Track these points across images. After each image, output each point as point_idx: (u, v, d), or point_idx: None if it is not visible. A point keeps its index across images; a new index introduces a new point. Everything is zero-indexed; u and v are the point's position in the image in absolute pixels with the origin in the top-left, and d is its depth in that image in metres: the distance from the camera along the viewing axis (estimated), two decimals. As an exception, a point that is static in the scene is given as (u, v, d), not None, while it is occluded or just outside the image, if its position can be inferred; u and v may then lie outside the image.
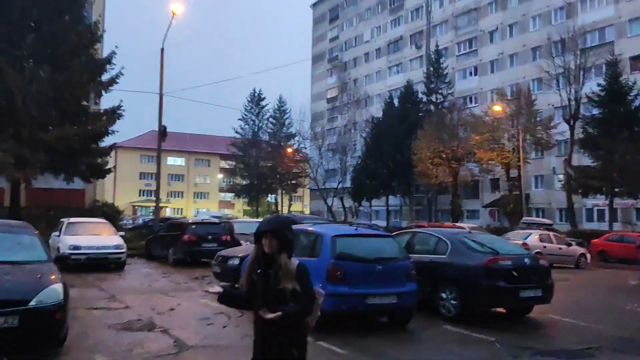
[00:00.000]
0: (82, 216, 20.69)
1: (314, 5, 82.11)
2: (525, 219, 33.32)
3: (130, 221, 49.55)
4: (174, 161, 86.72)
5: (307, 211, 72.97)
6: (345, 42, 73.81)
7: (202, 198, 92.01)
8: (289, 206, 66.91)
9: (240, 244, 17.94)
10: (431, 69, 53.71)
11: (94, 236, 17.32)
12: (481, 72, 54.51)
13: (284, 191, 66.76)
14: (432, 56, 54.87)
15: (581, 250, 24.15)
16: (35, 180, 23.11)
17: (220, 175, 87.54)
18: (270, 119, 69.64)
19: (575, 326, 9.69)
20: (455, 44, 57.59)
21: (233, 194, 76.20)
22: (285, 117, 69.10)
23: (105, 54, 25.94)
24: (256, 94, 69.82)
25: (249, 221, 24.99)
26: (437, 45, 54.47)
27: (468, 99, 54.15)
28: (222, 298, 3.69)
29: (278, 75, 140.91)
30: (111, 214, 25.79)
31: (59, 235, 17.35)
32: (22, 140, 22.33)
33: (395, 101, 55.29)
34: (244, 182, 69.45)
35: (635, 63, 42.22)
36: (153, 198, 74.27)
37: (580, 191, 36.44)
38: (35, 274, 7.03)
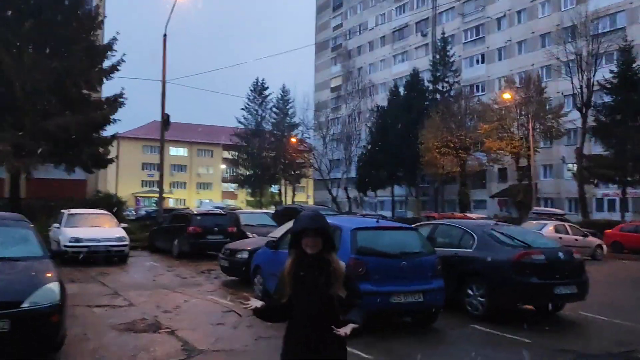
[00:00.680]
0: (83, 207, 20.07)
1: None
2: (536, 209, 32.60)
3: (133, 212, 48.95)
4: (176, 151, 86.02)
5: (310, 202, 72.35)
6: (349, 30, 72.73)
7: (205, 189, 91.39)
8: (293, 197, 66.30)
9: (247, 236, 17.34)
10: (437, 56, 52.79)
11: (96, 228, 16.70)
12: (488, 60, 53.54)
13: (287, 182, 66.12)
14: (438, 44, 53.89)
15: (598, 241, 23.45)
16: (35, 170, 22.49)
17: (223, 166, 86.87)
18: (274, 109, 68.96)
19: (610, 325, 9.03)
20: (461, 31, 56.55)
21: (236, 184, 75.65)
22: (288, 106, 68.40)
23: (106, 40, 25.21)
24: (259, 84, 69.06)
25: (255, 212, 24.40)
26: (443, 33, 53.46)
27: (475, 88, 53.19)
28: (263, 313, 3.18)
29: (281, 65, 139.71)
30: (113, 205, 25.12)
31: (59, 227, 16.72)
32: (22, 129, 21.70)
33: (401, 90, 54.38)
34: (247, 173, 68.87)
35: (648, 49, 41.24)
36: (155, 189, 73.84)
37: (592, 180, 35.69)
38: (29, 271, 6.37)
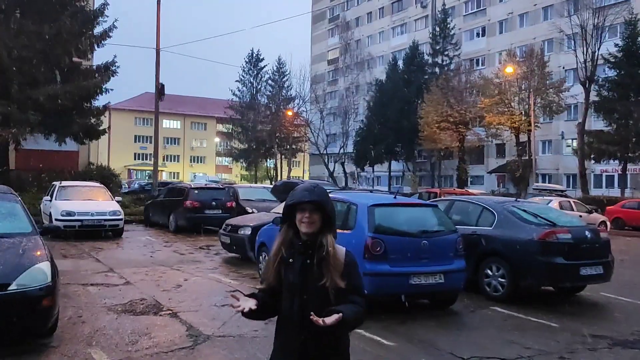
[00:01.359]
0: (75, 180, 19.37)
1: (314, -38, 79.00)
2: (536, 184, 32.16)
3: (126, 185, 48.20)
4: (169, 124, 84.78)
5: (306, 177, 71.73)
6: (347, 1, 71.14)
7: (199, 162, 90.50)
8: (289, 171, 65.63)
9: (246, 211, 16.77)
10: (437, 29, 51.67)
11: (89, 201, 16.06)
12: (489, 33, 52.48)
13: (283, 156, 65.32)
14: (438, 16, 52.76)
15: (602, 217, 23.10)
16: (24, 140, 21.69)
17: (217, 139, 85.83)
18: (269, 81, 67.66)
19: (637, 307, 8.56)
20: (462, 3, 55.22)
21: (230, 158, 74.73)
22: (284, 79, 67.15)
23: (96, 5, 24.16)
24: (254, 55, 67.68)
25: (254, 186, 23.74)
26: (443, 4, 52.25)
27: (475, 61, 52.24)
28: (256, 315, 2.55)
29: (277, 37, 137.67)
30: (107, 178, 24.36)
31: (50, 200, 16.07)
32: (10, 97, 20.83)
33: (400, 63, 53.34)
34: (242, 147, 67.88)
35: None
36: (148, 161, 72.95)
37: (593, 156, 35.23)
38: (17, 250, 5.75)
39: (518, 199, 10.33)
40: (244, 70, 67.64)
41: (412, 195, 30.01)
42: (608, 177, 41.77)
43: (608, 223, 23.39)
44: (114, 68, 23.37)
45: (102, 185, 18.20)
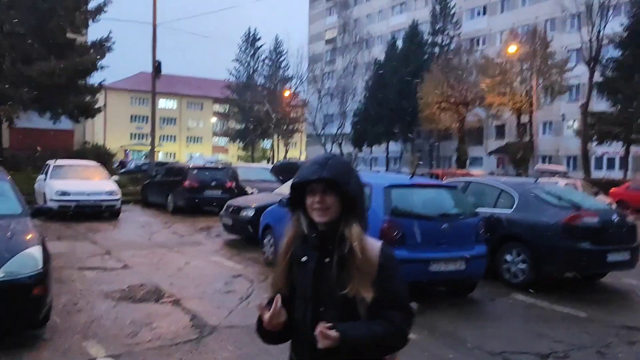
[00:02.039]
0: (70, 158, 18.79)
1: (311, -61, 77.38)
2: (538, 166, 31.69)
3: (118, 165, 47.53)
4: (165, 104, 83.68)
5: (303, 157, 71.13)
6: (345, -22, 69.77)
7: (195, 142, 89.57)
8: (286, 152, 65.01)
9: (246, 192, 16.28)
10: (437, 8, 50.75)
11: (85, 180, 15.51)
12: (490, 12, 51.57)
13: (280, 136, 64.63)
14: (439, -6, 51.73)
15: (608, 200, 22.65)
16: (18, 119, 21.05)
17: (214, 119, 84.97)
18: (266, 61, 66.73)
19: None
20: (463, -19, 54.26)
21: (227, 138, 74.06)
22: (281, 58, 66.19)
23: (91, -22, 23.33)
24: (251, 34, 66.65)
25: (254, 167, 23.19)
26: (444, -17, 51.24)
27: (476, 41, 51.41)
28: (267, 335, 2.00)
29: (274, 16, 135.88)
30: (103, 157, 23.76)
31: (45, 180, 15.51)
32: (2, 73, 20.14)
33: (399, 43, 52.47)
34: (239, 127, 67.22)
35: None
36: (144, 141, 72.06)
37: (595, 138, 34.74)
38: (5, 233, 5.24)
39: (537, 180, 9.81)
40: (241, 50, 66.78)
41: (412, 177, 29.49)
42: (609, 160, 41.37)
43: (614, 205, 22.95)
44: (109, 44, 22.68)
45: (99, 164, 17.64)
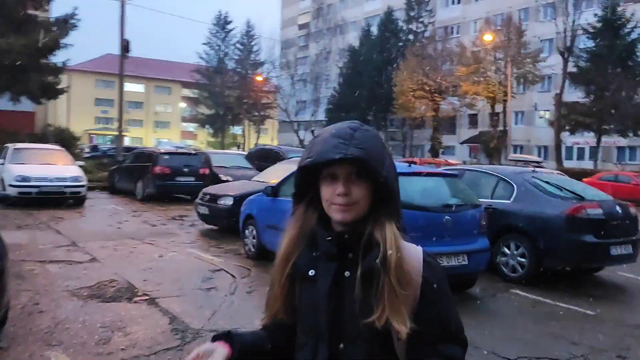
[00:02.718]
0: (31, 142, 17.70)
1: None
2: (512, 155, 31.70)
3: (87, 150, 45.94)
4: (132, 87, 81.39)
5: (275, 144, 70.18)
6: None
7: (163, 127, 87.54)
8: (257, 138, 64.01)
9: (221, 179, 15.55)
10: (412, -6, 50.27)
11: (47, 165, 14.51)
12: (465, 0, 51.40)
13: (251, 123, 63.53)
14: (414, -20, 51.23)
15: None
16: (-27, 99, 19.75)
17: (183, 104, 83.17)
18: (237, 45, 65.37)
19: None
20: (438, -32, 53.90)
21: (196, 124, 72.56)
22: (253, 43, 64.93)
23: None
24: (222, 17, 65.13)
25: (228, 153, 22.42)
26: (419, -31, 50.73)
27: (450, 29, 51.18)
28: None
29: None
30: (67, 141, 22.59)
31: (3, 164, 14.48)
32: (-44, 50, 18.82)
33: (374, 29, 51.90)
34: (208, 112, 65.84)
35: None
36: (110, 126, 70.03)
37: (568, 128, 34.99)
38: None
39: (535, 169, 9.41)
40: (211, 33, 65.21)
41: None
42: (579, 150, 41.85)
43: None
44: (73, 21, 21.41)
45: (62, 148, 16.62)
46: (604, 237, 7.19)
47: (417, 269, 1.33)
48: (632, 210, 7.79)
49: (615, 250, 7.32)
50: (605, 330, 5.71)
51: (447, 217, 6.25)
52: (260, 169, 14.45)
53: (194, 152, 19.43)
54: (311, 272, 1.38)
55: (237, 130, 67.98)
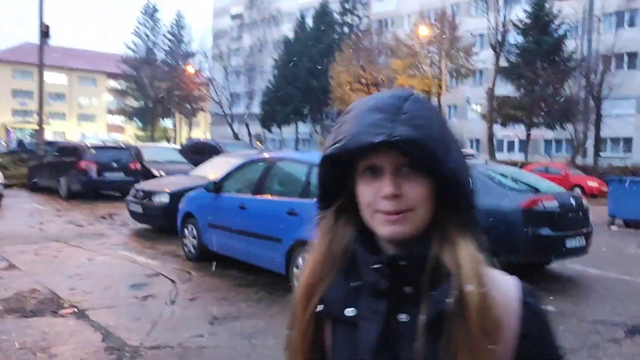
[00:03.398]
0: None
1: None
2: (446, 148, 32.30)
3: (4, 144, 43.01)
4: (54, 78, 77.08)
5: (208, 138, 68.54)
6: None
7: (88, 121, 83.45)
8: (189, 132, 62.23)
9: (153, 175, 14.67)
10: (347, -13, 50.18)
11: (-43, 162, 13.13)
12: (399, -6, 51.83)
13: (182, 116, 61.63)
14: (348, -27, 51.14)
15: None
16: None
17: (109, 97, 79.63)
18: (167, 35, 63.24)
19: (618, 282, 7.73)
20: (372, -38, 54.03)
21: (124, 117, 69.65)
22: (183, 32, 63.02)
23: None
24: (151, 5, 62.78)
25: (160, 146, 21.36)
26: (353, -38, 50.68)
27: (384, 23, 51.50)
28: None
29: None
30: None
31: None
32: None
33: (309, 21, 51.44)
34: (137, 105, 63.38)
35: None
36: (29, 119, 66.14)
37: (499, 121, 35.98)
38: None
39: (487, 161, 9.24)
40: (139, 22, 62.71)
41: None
42: (509, 142, 43.23)
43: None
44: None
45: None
46: (559, 229, 7.06)
47: (513, 314, 0.88)
48: (585, 201, 7.72)
49: (570, 243, 7.21)
50: (571, 328, 5.50)
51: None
52: (195, 163, 13.75)
53: (123, 145, 18.29)
54: (349, 312, 0.91)
55: (167, 123, 65.86)
